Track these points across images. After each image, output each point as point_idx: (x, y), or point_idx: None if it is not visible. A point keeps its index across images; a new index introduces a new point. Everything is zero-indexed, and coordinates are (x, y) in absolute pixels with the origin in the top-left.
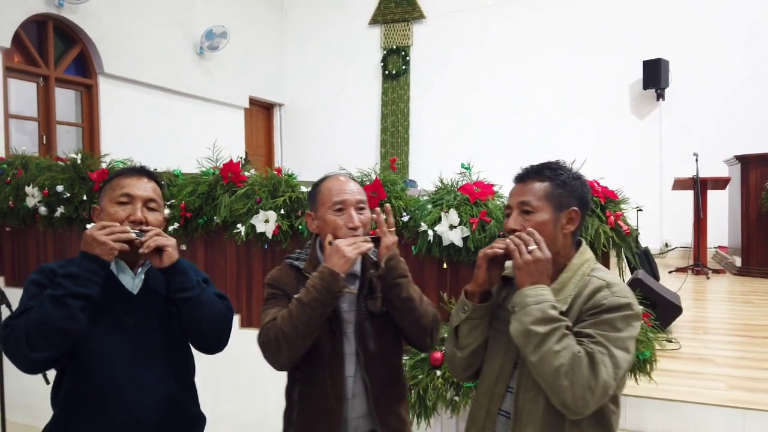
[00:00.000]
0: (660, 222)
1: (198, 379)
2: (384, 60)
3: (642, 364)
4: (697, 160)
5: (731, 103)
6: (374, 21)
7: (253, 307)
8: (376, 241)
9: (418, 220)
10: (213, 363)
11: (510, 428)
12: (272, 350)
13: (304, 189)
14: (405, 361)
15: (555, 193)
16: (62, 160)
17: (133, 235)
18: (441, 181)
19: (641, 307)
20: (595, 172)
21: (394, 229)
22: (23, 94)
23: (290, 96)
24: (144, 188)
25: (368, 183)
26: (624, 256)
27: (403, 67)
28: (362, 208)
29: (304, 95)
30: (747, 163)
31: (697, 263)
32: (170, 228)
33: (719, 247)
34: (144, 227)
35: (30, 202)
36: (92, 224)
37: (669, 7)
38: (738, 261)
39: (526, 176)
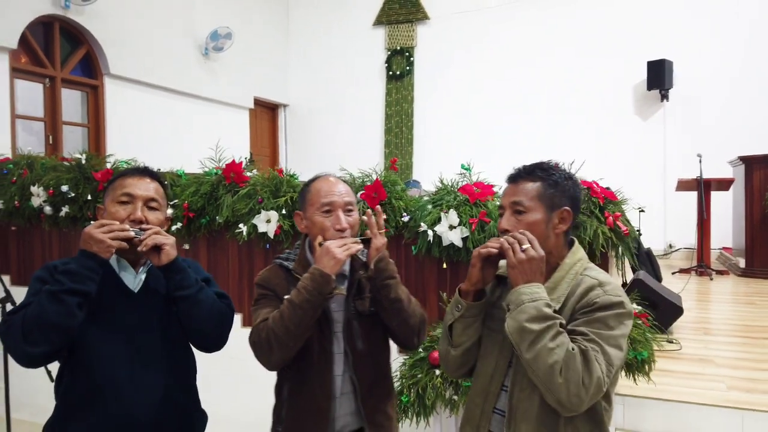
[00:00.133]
0: (664, 223)
1: (199, 378)
2: (388, 61)
3: (640, 365)
4: (700, 161)
5: (735, 104)
6: (378, 22)
7: None
8: (366, 242)
9: (418, 221)
10: (214, 362)
11: (505, 426)
12: (264, 350)
13: None
14: (404, 361)
15: (547, 193)
16: (67, 160)
17: (132, 234)
18: (441, 182)
19: (639, 307)
20: (598, 173)
21: (384, 230)
22: (30, 94)
23: (295, 97)
24: (145, 188)
25: (369, 183)
26: (624, 257)
27: (407, 67)
28: (350, 210)
29: (309, 96)
30: (751, 164)
31: (701, 264)
32: (173, 227)
33: (723, 248)
34: (144, 226)
35: (35, 201)
36: (92, 222)
37: (673, 8)
38: (742, 262)
39: (518, 176)
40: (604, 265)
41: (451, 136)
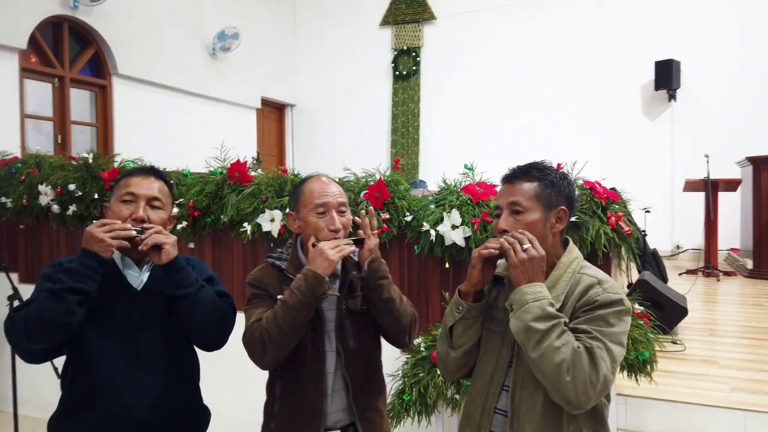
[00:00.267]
0: (671, 224)
1: (201, 377)
2: (395, 61)
3: (641, 365)
4: (708, 162)
5: (743, 104)
6: (385, 22)
7: None
8: (358, 242)
9: (421, 220)
10: (217, 361)
11: (508, 426)
12: (257, 350)
13: None
14: (407, 359)
15: (544, 193)
16: (74, 160)
17: (134, 233)
18: (444, 182)
19: (641, 308)
20: (606, 173)
21: (376, 231)
22: (39, 94)
23: (302, 96)
24: (148, 187)
25: (372, 183)
26: (627, 257)
27: (414, 67)
28: (343, 211)
29: (316, 96)
30: (759, 164)
31: (708, 265)
32: (179, 226)
33: (731, 249)
34: (145, 225)
35: (43, 200)
36: (94, 222)
37: (680, 8)
38: (749, 263)
39: (514, 176)
40: (607, 266)
41: (457, 136)
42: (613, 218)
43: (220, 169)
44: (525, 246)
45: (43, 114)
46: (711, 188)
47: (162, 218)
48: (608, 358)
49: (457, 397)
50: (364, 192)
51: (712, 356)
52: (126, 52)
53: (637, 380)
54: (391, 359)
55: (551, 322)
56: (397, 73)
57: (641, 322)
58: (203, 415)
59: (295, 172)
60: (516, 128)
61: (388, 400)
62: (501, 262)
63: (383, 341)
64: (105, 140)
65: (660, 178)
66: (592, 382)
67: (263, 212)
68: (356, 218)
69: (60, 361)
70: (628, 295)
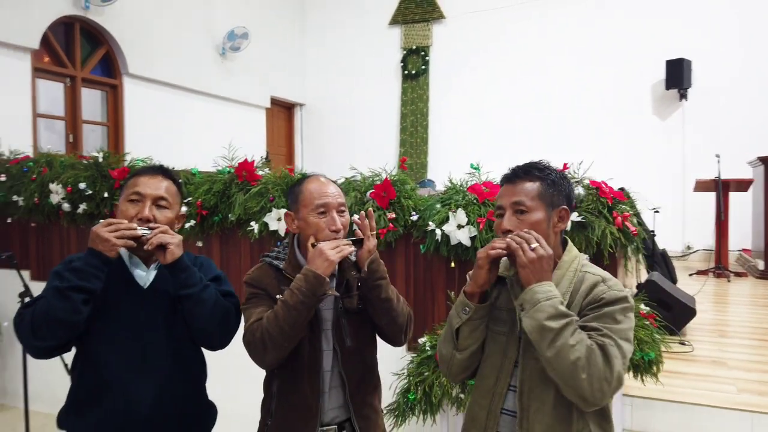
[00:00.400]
0: (682, 224)
1: (209, 375)
2: (404, 60)
3: (647, 365)
4: (719, 162)
5: (755, 103)
6: (394, 21)
7: None
8: (356, 243)
9: (427, 220)
10: (221, 359)
11: (517, 426)
12: (258, 350)
13: None
14: (412, 359)
15: (547, 193)
16: (85, 159)
17: (139, 232)
18: (450, 181)
19: (647, 308)
20: (616, 173)
21: (375, 232)
22: (51, 94)
23: (311, 96)
24: (155, 187)
25: (379, 182)
26: (634, 257)
27: (423, 67)
28: (343, 211)
29: (325, 95)
30: None
31: (719, 266)
32: (187, 225)
33: (743, 250)
34: (151, 225)
35: (54, 198)
36: (100, 221)
37: (692, 6)
38: (761, 264)
39: (515, 176)
40: (613, 266)
41: (466, 135)
42: (619, 218)
43: (227, 169)
44: (533, 245)
45: (55, 113)
46: (722, 188)
47: (168, 218)
48: (619, 355)
49: (462, 396)
50: (371, 191)
51: (720, 357)
52: (136, 52)
53: (643, 380)
54: (396, 358)
55: (564, 320)
56: (406, 72)
57: (647, 322)
58: (209, 412)
59: (303, 172)
60: (525, 127)
61: (393, 399)
62: (503, 261)
63: (379, 339)
64: (116, 139)
65: (670, 178)
66: (607, 379)
67: (270, 211)
68: (356, 219)
69: (70, 357)
70: (636, 295)
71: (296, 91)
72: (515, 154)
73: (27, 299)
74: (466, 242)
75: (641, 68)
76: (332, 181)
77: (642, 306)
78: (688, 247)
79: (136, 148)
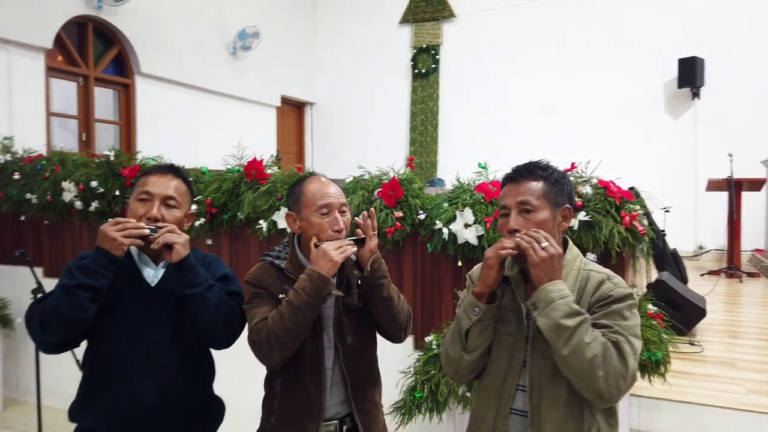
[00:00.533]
0: (694, 224)
1: (217, 373)
2: (414, 59)
3: (654, 366)
4: (731, 161)
5: None
6: (405, 20)
7: None
8: (359, 242)
9: (434, 218)
10: (226, 358)
11: (528, 425)
12: (264, 350)
13: None
14: (419, 357)
15: (552, 192)
16: (97, 157)
17: (146, 231)
18: (458, 180)
19: (655, 308)
20: (627, 171)
21: (376, 232)
22: (64, 93)
23: (321, 95)
24: (164, 186)
25: (386, 181)
26: (641, 257)
27: (433, 65)
28: (344, 211)
29: (335, 94)
30: None
31: (731, 266)
32: (197, 223)
33: (755, 250)
34: (159, 224)
35: (66, 196)
36: (109, 220)
37: (705, 4)
38: None
39: (519, 176)
40: (621, 265)
41: (476, 134)
42: (627, 217)
43: (237, 167)
44: (543, 244)
45: (69, 112)
46: (735, 188)
47: (176, 217)
48: (632, 352)
49: (468, 394)
50: (378, 190)
51: (730, 358)
52: (148, 52)
53: (650, 380)
54: (403, 356)
55: (579, 318)
56: (416, 71)
57: (654, 322)
58: (216, 411)
59: (311, 170)
60: (536, 126)
61: (400, 397)
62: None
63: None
64: (128, 138)
65: (683, 177)
66: (623, 376)
67: (279, 209)
68: (357, 220)
69: (81, 352)
70: (645, 295)
71: (306, 90)
72: (526, 152)
73: (39, 295)
74: (473, 241)
75: (653, 66)
76: (332, 181)
77: (650, 306)
78: (701, 247)
79: (148, 146)
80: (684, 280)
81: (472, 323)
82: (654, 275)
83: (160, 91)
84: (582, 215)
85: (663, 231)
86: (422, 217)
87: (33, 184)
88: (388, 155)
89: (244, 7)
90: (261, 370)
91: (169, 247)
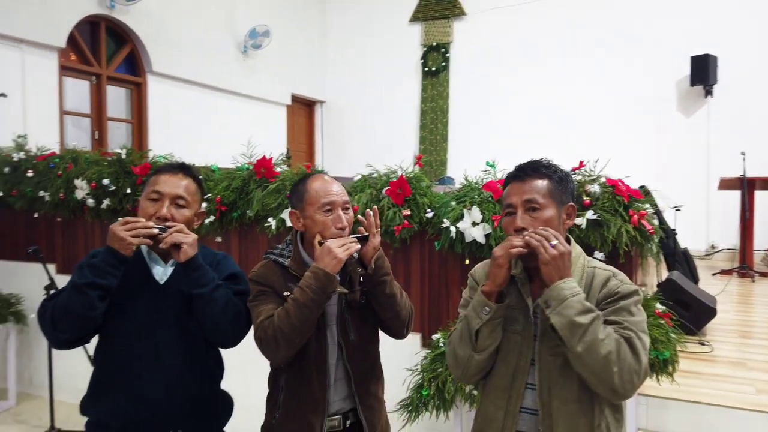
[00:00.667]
0: (706, 223)
1: (228, 371)
2: (424, 57)
3: (662, 365)
4: (744, 159)
5: None
6: (414, 18)
7: None
8: (362, 240)
9: (441, 217)
10: (232, 356)
11: (539, 423)
12: (271, 347)
13: None
14: (426, 355)
15: (556, 190)
16: (109, 155)
17: (155, 231)
18: (465, 179)
19: (663, 307)
20: (639, 170)
21: (379, 229)
22: (77, 91)
23: (331, 93)
24: (174, 185)
25: (394, 179)
26: (653, 257)
27: (443, 64)
28: (347, 209)
29: (345, 93)
30: None
31: (743, 266)
32: (207, 221)
33: None
34: (168, 223)
35: (79, 194)
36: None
37: (718, 1)
38: None
39: (524, 174)
40: (629, 264)
41: (486, 132)
42: (635, 216)
43: (246, 165)
44: (553, 242)
45: (81, 110)
46: (747, 186)
47: (186, 216)
48: (642, 347)
49: (475, 393)
50: (386, 188)
51: (740, 358)
52: (160, 51)
53: (658, 380)
54: (410, 354)
55: (592, 315)
56: (426, 69)
57: (662, 321)
58: (223, 408)
59: (320, 169)
60: (547, 124)
61: (407, 394)
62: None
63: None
64: (140, 136)
65: (695, 175)
66: (637, 371)
67: (287, 207)
68: (361, 217)
69: (93, 347)
70: (654, 294)
71: (317, 88)
72: (536, 150)
73: (52, 292)
74: (481, 239)
75: (666, 64)
76: (335, 179)
77: (658, 305)
78: (713, 247)
79: (160, 144)
80: (695, 279)
81: (483, 323)
82: (665, 274)
83: (172, 89)
84: (590, 214)
85: (674, 230)
86: (430, 215)
87: (46, 182)
88: (398, 153)
89: (255, 7)
90: (266, 366)
91: (177, 246)
